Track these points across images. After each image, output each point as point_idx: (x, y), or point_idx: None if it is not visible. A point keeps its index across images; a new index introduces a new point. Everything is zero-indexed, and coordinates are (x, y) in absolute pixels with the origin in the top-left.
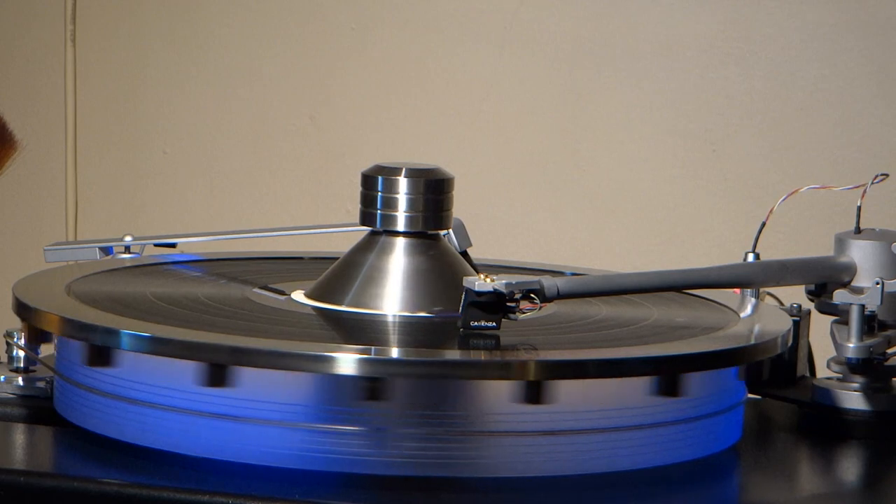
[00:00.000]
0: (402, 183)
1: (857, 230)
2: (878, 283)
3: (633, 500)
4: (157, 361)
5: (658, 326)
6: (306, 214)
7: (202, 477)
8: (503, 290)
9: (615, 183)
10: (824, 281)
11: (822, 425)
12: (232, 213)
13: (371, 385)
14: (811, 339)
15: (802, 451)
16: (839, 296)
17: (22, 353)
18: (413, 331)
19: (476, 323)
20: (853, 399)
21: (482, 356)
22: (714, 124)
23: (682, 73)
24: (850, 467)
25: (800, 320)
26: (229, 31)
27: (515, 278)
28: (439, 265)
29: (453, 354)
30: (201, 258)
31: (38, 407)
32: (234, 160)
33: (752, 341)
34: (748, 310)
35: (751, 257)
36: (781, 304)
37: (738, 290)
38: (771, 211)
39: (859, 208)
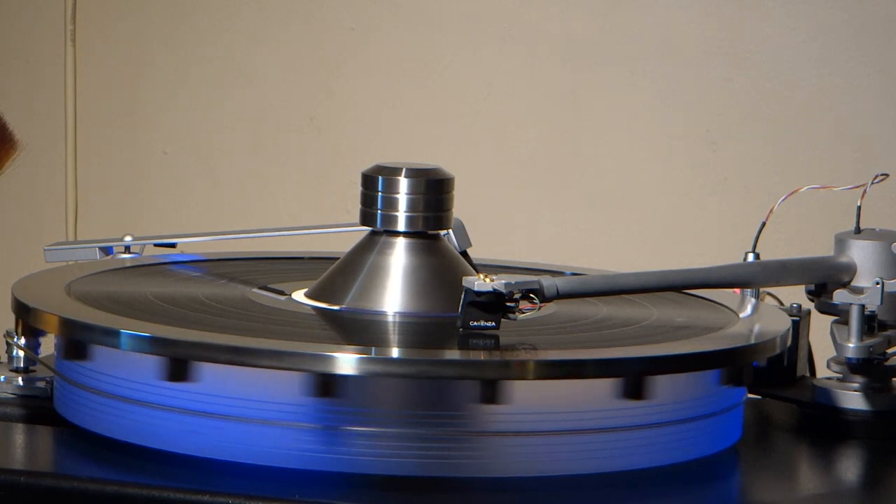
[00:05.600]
0: (403, 183)
1: (857, 230)
2: (878, 283)
3: (633, 500)
4: (156, 361)
5: (658, 326)
6: (306, 214)
7: (202, 477)
8: (503, 289)
9: (615, 183)
10: (824, 281)
11: (822, 425)
12: (232, 213)
13: (371, 385)
14: (811, 339)
15: (802, 451)
16: (839, 296)
17: (22, 353)
18: (413, 331)
19: (475, 323)
20: (853, 399)
21: (482, 356)
22: (714, 124)
23: (682, 73)
24: (850, 467)
25: (800, 320)
26: (229, 31)
27: (515, 278)
28: (439, 265)
29: (453, 354)
30: (201, 258)
31: (38, 407)
32: (234, 160)
33: (752, 341)
34: (748, 310)
35: (751, 257)
36: (781, 304)
37: (738, 290)
38: (771, 211)
39: (859, 208)
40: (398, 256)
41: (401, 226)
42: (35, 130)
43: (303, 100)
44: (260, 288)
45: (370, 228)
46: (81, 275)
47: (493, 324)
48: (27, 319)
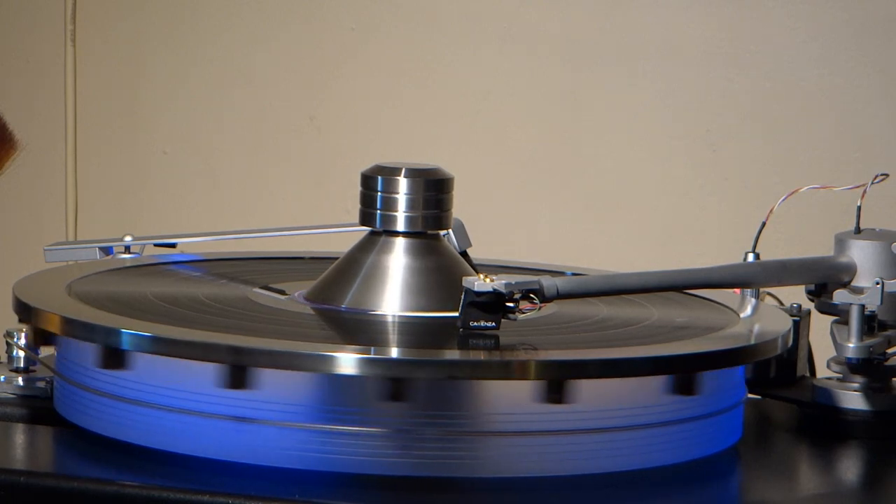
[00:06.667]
0: (402, 183)
1: (857, 230)
2: (878, 283)
3: (633, 501)
4: (157, 361)
5: (658, 326)
6: (306, 214)
7: (202, 477)
8: (503, 290)
9: (615, 183)
10: (824, 281)
11: (822, 425)
12: (232, 213)
13: (370, 385)
14: (811, 339)
15: (802, 451)
16: (839, 296)
17: (22, 353)
18: (413, 331)
19: (475, 323)
20: (853, 399)
21: (482, 356)
22: (714, 124)
23: (682, 73)
24: (850, 467)
25: (800, 320)
26: (229, 31)
27: (515, 278)
28: (439, 265)
29: (453, 354)
30: (201, 258)
31: (38, 407)
32: (234, 160)
33: (752, 341)
34: (748, 310)
35: (751, 257)
36: (781, 304)
37: (738, 290)
38: (771, 211)
39: (859, 208)
40: (398, 256)
41: (400, 226)
42: (35, 130)
43: (303, 100)
44: (260, 288)
45: (370, 228)
46: (81, 275)
47: (493, 324)
48: (28, 319)
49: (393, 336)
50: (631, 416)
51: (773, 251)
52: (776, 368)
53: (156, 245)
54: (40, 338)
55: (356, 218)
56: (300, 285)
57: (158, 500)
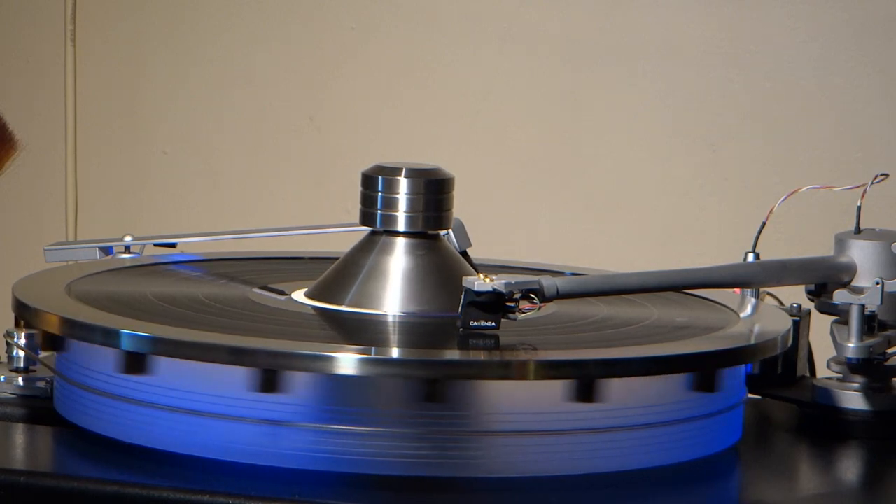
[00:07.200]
0: (402, 183)
1: (857, 230)
2: (878, 283)
3: (633, 500)
4: (156, 361)
5: (658, 326)
6: (306, 214)
7: (202, 477)
8: (503, 289)
9: (615, 183)
10: (824, 281)
11: (822, 425)
12: (232, 213)
13: (370, 385)
14: (811, 339)
15: (802, 451)
16: (839, 296)
17: (22, 353)
18: (413, 331)
19: (475, 323)
20: (853, 399)
21: (482, 356)
22: (714, 124)
23: (682, 73)
24: (850, 467)
25: (800, 320)
26: (229, 31)
27: (515, 278)
28: (439, 265)
29: (453, 354)
30: (201, 258)
31: (38, 407)
32: (234, 160)
33: (752, 341)
34: (748, 310)
35: (751, 257)
36: (781, 304)
37: (738, 290)
38: (771, 211)
39: (859, 208)
40: (398, 256)
41: (401, 226)
42: (35, 130)
43: (303, 100)
44: (260, 288)
45: (370, 228)
46: (81, 275)
47: (493, 324)
48: (28, 319)
49: (393, 336)
50: (631, 416)
51: (773, 251)
52: (775, 368)
53: (156, 245)
54: (47, 342)
55: (356, 218)
56: (300, 285)
57: (158, 500)
